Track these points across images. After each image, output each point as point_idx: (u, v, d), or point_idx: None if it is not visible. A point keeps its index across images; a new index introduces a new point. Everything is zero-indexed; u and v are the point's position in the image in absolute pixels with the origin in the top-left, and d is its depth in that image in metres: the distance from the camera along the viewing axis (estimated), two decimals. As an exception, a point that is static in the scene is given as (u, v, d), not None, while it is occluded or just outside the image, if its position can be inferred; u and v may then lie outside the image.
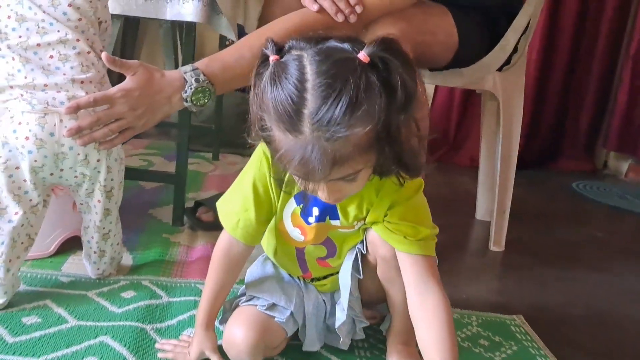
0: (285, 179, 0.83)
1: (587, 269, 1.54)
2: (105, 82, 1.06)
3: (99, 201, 1.07)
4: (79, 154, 1.00)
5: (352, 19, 1.14)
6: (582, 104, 2.79)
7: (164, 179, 1.54)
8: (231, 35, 1.37)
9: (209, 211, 1.48)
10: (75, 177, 1.03)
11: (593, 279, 1.47)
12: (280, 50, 0.71)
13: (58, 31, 0.99)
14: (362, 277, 0.90)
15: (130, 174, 1.60)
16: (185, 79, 1.01)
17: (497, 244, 1.58)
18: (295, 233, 0.89)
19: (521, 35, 1.46)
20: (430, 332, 0.79)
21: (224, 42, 2.24)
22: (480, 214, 1.83)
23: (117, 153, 1.08)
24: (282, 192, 0.85)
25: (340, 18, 1.14)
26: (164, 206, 1.59)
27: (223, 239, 0.89)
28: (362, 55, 0.67)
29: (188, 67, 1.03)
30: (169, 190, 1.68)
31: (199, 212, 1.49)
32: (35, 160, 0.97)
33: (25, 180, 0.99)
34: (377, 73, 0.66)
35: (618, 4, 2.67)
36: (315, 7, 1.14)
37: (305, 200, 0.86)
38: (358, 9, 1.14)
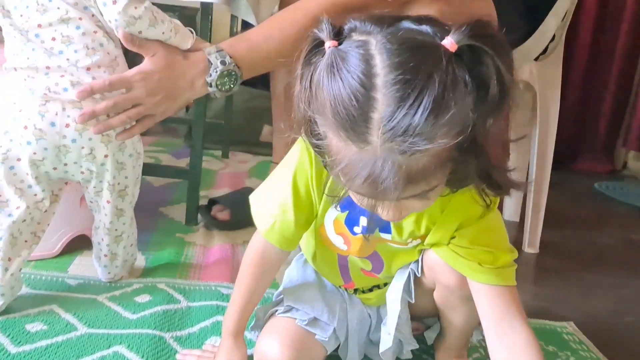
0: (329, 183, 0.70)
1: (633, 274, 1.44)
2: (118, 65, 0.92)
3: (108, 202, 0.96)
4: (83, 148, 0.88)
5: None
6: (601, 103, 2.70)
7: (177, 174, 1.44)
8: (251, 19, 1.27)
9: (224, 209, 1.38)
10: (82, 172, 0.91)
11: (637, 284, 1.37)
12: (338, 33, 0.56)
13: (58, 8, 0.87)
14: (413, 301, 0.78)
15: (143, 169, 1.51)
16: (209, 60, 0.89)
17: (531, 246, 1.48)
18: (338, 241, 0.77)
19: (559, 23, 1.37)
20: None
21: (233, 31, 2.14)
22: (508, 214, 1.73)
23: (132, 147, 0.95)
24: (324, 194, 0.72)
25: None
26: (175, 204, 1.48)
27: (256, 241, 0.77)
28: (449, 43, 0.52)
29: (212, 49, 0.90)
30: (179, 188, 1.58)
31: (213, 210, 1.39)
32: (35, 153, 0.86)
33: (27, 174, 0.88)
34: (467, 66, 0.52)
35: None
36: None
37: (352, 206, 0.71)
38: None
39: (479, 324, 0.73)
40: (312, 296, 0.81)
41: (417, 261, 0.77)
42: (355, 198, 0.61)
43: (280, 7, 1.29)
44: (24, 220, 0.89)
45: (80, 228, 1.13)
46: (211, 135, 2.12)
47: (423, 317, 0.86)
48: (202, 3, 1.27)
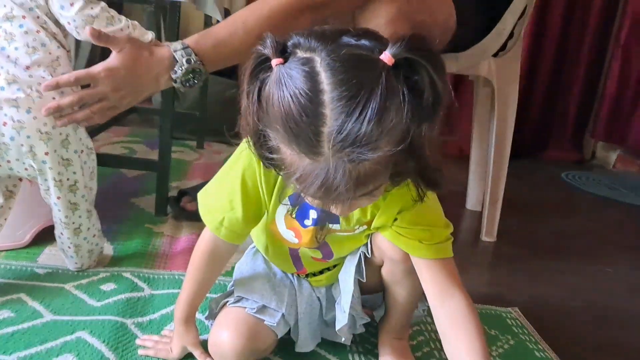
0: (277, 184, 0.75)
1: (582, 261, 1.51)
2: (60, 65, 0.95)
3: (58, 197, 0.99)
4: (22, 145, 0.92)
5: None
6: (570, 94, 2.77)
7: (146, 166, 1.48)
8: (217, 15, 1.31)
9: (193, 200, 1.42)
10: (25, 169, 0.95)
11: (589, 271, 1.44)
12: (283, 49, 0.59)
13: (4, 6, 0.91)
14: (365, 280, 0.84)
15: (112, 161, 1.55)
16: (175, 58, 0.93)
17: (489, 234, 1.54)
18: (289, 235, 0.82)
19: (517, 20, 1.42)
20: (459, 343, 0.72)
21: (209, 24, 2.17)
22: (471, 203, 1.80)
23: (78, 143, 0.98)
24: (274, 192, 0.77)
25: None
26: (146, 195, 1.53)
27: (205, 237, 0.82)
28: (387, 57, 0.56)
29: (178, 45, 0.94)
30: (151, 179, 1.62)
31: (183, 201, 1.43)
32: None
33: None
34: (404, 76, 0.56)
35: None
36: None
37: (300, 202, 0.75)
38: None
39: (423, 295, 0.80)
40: (261, 286, 0.87)
41: (366, 244, 0.83)
42: (309, 200, 0.65)
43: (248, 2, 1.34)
44: None
45: (49, 218, 1.16)
46: (186, 125, 2.17)
47: (370, 293, 0.91)
48: (169, 2, 1.31)
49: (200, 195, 0.82)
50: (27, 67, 0.91)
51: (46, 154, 0.94)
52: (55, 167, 0.95)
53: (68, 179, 0.98)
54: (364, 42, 0.58)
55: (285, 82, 0.56)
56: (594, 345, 1.07)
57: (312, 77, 0.56)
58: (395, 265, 0.81)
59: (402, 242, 0.77)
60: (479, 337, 0.72)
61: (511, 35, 1.43)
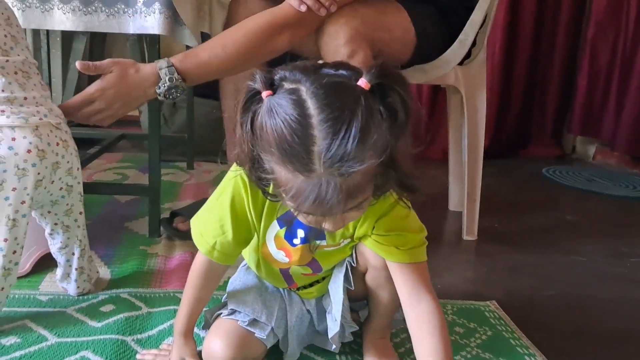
0: (265, 208, 0.83)
1: (558, 253, 1.58)
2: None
3: (80, 213, 1.08)
4: (68, 162, 1.01)
5: (333, 8, 1.20)
6: (547, 92, 2.86)
7: (137, 191, 1.55)
8: (194, 42, 1.38)
9: (185, 220, 1.49)
10: (60, 189, 1.02)
11: (564, 262, 1.52)
12: (271, 83, 0.67)
13: None
14: (353, 288, 0.91)
15: (104, 188, 1.63)
16: (159, 75, 1.10)
17: (470, 233, 1.62)
18: (280, 256, 0.89)
19: (479, 29, 1.50)
20: (424, 344, 0.79)
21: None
22: (453, 204, 1.87)
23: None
24: (263, 217, 0.84)
25: (323, 12, 1.19)
26: (140, 218, 1.60)
27: (199, 259, 0.88)
28: (363, 83, 0.64)
29: (164, 63, 1.11)
30: (144, 202, 1.68)
31: (175, 221, 1.50)
32: (39, 173, 0.95)
33: (23, 202, 0.95)
34: (379, 99, 0.64)
35: (575, -8, 2.75)
36: (303, 8, 1.18)
37: (289, 224, 0.84)
38: None
39: (400, 307, 0.86)
40: (253, 299, 0.93)
41: (351, 255, 0.91)
42: (302, 218, 0.71)
43: (230, 17, 1.42)
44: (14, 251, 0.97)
45: (47, 246, 1.23)
46: (176, 148, 2.25)
47: (358, 300, 0.98)
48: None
49: (193, 222, 0.88)
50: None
51: (78, 169, 1.05)
52: (82, 181, 1.07)
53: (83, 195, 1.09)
54: (341, 71, 0.66)
55: (276, 111, 0.64)
56: (566, 332, 1.14)
57: (299, 104, 0.63)
58: (378, 271, 0.88)
59: (380, 248, 0.84)
60: (443, 339, 0.79)
61: (474, 44, 1.52)
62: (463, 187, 1.63)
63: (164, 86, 1.10)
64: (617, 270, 1.48)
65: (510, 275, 1.41)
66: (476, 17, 1.44)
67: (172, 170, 2.17)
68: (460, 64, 1.51)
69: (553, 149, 2.88)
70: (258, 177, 0.71)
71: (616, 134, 2.56)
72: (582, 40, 2.81)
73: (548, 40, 2.80)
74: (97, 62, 1.11)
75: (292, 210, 0.70)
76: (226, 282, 1.01)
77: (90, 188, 1.54)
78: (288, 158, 0.63)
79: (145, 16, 1.31)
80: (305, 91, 0.64)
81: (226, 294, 0.97)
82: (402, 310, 0.96)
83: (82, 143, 2.02)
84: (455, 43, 1.43)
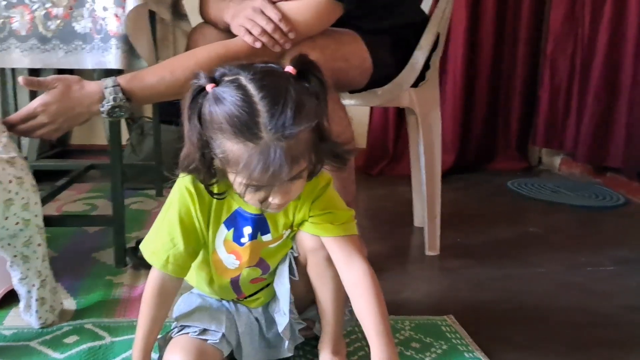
0: (213, 208, 0.89)
1: (519, 266, 1.62)
2: None
3: (39, 245, 1.10)
4: (23, 198, 1.03)
5: (287, 46, 1.24)
6: (510, 106, 2.93)
7: (102, 222, 1.56)
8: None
9: (151, 249, 1.51)
10: (17, 223, 1.04)
11: (524, 275, 1.56)
12: (212, 79, 0.79)
13: None
14: (297, 278, 0.96)
15: (70, 221, 1.64)
16: (104, 94, 1.13)
17: (432, 249, 1.66)
18: (231, 260, 0.94)
19: (432, 52, 1.56)
20: (361, 301, 0.90)
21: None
22: (418, 220, 1.91)
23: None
24: (210, 223, 0.90)
25: (277, 49, 1.23)
26: (107, 248, 1.61)
27: (153, 276, 0.92)
28: (290, 69, 0.81)
29: (110, 82, 1.14)
30: (112, 232, 1.71)
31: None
32: None
33: None
34: (304, 80, 0.80)
35: (533, 9, 2.83)
36: (258, 45, 1.22)
37: (235, 224, 0.91)
38: (291, 35, 1.24)
39: (347, 299, 0.94)
40: (199, 315, 0.98)
41: (292, 247, 0.97)
42: (249, 196, 0.82)
43: (190, 47, 1.46)
44: None
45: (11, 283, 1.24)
46: (144, 176, 2.26)
47: (305, 303, 1.02)
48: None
49: (142, 246, 0.93)
50: None
51: (35, 203, 1.07)
52: (40, 214, 1.09)
53: (41, 227, 1.10)
54: (270, 65, 0.82)
55: (222, 96, 0.77)
56: (522, 344, 1.17)
57: (242, 88, 0.77)
58: (315, 255, 0.94)
59: (317, 228, 0.92)
60: (376, 296, 0.89)
61: (428, 67, 1.57)
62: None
63: (108, 105, 1.14)
64: (575, 280, 1.53)
65: (470, 289, 1.45)
66: (424, 41, 1.50)
67: (141, 198, 2.19)
68: (416, 86, 1.56)
69: (519, 162, 2.95)
70: (208, 166, 0.82)
71: (578, 144, 2.63)
72: (541, 55, 2.90)
73: (509, 56, 2.88)
74: (41, 78, 1.15)
75: (241, 188, 0.79)
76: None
77: (55, 221, 1.57)
78: (239, 130, 0.75)
79: (103, 52, 1.34)
80: (244, 79, 0.78)
81: (174, 319, 1.01)
82: (348, 307, 1.00)
83: (51, 175, 2.06)
84: (406, 67, 1.48)
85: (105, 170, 2.37)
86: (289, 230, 0.95)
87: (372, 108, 2.78)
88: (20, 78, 1.13)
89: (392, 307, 1.27)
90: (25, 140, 2.34)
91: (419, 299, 1.37)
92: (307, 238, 0.94)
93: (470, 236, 1.87)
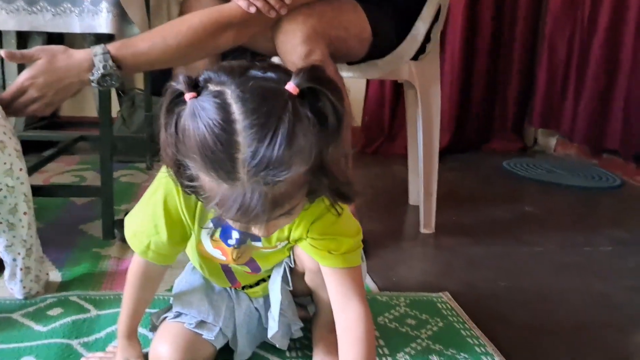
0: (198, 208, 0.81)
1: (516, 245, 1.60)
2: None
3: (25, 213, 1.05)
4: (5, 163, 0.98)
5: (283, 11, 1.18)
6: (507, 87, 2.89)
7: (90, 193, 1.52)
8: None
9: (140, 221, 1.47)
10: (0, 190, 1.00)
11: (521, 254, 1.53)
12: (195, 84, 0.63)
13: None
14: (292, 289, 0.90)
15: (57, 191, 1.59)
16: (93, 62, 1.07)
17: (427, 227, 1.63)
18: (217, 254, 0.87)
19: (433, 24, 1.51)
20: (348, 352, 0.79)
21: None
22: (413, 199, 1.88)
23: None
24: (196, 217, 0.82)
25: (272, 14, 1.17)
26: (95, 221, 1.56)
27: (136, 260, 0.86)
28: (292, 87, 0.61)
29: (99, 49, 1.08)
30: (100, 205, 1.67)
31: (130, 223, 1.48)
32: None
33: None
34: (308, 104, 0.62)
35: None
36: (252, 10, 1.16)
37: (221, 224, 0.82)
38: (287, 0, 1.17)
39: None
40: (199, 300, 0.92)
41: (289, 256, 0.89)
42: (231, 222, 0.70)
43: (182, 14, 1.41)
44: None
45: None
46: (135, 149, 2.22)
47: (303, 295, 0.97)
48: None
49: (127, 219, 0.86)
50: None
51: (20, 170, 1.02)
52: (27, 182, 1.04)
53: (28, 195, 1.06)
54: (270, 74, 0.63)
55: (199, 114, 0.60)
56: (519, 322, 1.15)
57: (224, 108, 0.60)
58: (315, 274, 0.87)
59: (314, 252, 0.82)
60: (367, 347, 0.78)
61: (429, 39, 1.53)
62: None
63: (98, 73, 1.07)
64: (572, 260, 1.50)
65: (466, 267, 1.43)
66: (426, 12, 1.45)
67: (131, 171, 2.15)
68: (416, 59, 1.52)
69: (515, 143, 2.92)
70: (182, 183, 0.69)
71: (575, 125, 2.60)
72: (540, 35, 2.85)
73: (507, 35, 2.83)
74: (24, 50, 1.09)
75: (217, 215, 0.69)
76: (171, 288, 1.00)
77: (42, 191, 1.53)
78: (211, 165, 0.61)
79: (93, 15, 1.29)
80: (230, 94, 0.61)
81: (172, 297, 0.96)
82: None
83: (39, 146, 2.01)
84: (407, 38, 1.44)
85: (95, 142, 2.32)
86: (285, 243, 0.86)
87: (367, 86, 2.73)
88: (2, 51, 1.07)
89: (387, 284, 1.27)
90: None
91: (414, 276, 1.34)
92: (306, 258, 0.85)
93: (465, 215, 1.85)
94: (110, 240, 1.44)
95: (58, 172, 2.09)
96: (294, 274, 0.90)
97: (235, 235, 0.83)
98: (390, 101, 2.72)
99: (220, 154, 0.60)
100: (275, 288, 0.91)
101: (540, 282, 1.36)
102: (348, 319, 0.80)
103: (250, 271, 0.91)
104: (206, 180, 0.64)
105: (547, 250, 1.57)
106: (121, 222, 1.49)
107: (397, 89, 2.69)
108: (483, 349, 1.01)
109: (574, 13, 2.66)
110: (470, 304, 1.19)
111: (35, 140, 2.13)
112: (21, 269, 1.09)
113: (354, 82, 2.53)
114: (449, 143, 2.71)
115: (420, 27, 1.45)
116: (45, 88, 1.07)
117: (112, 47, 1.09)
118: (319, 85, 0.63)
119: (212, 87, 0.63)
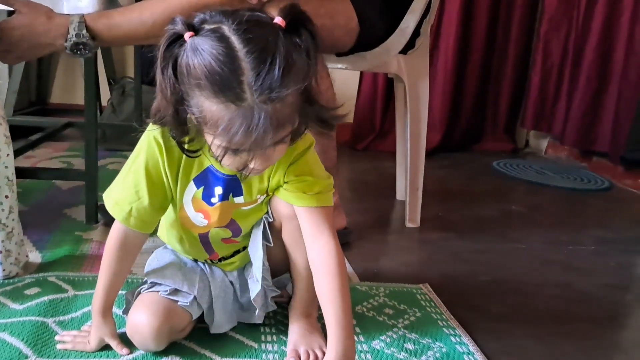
0: (182, 164, 0.84)
1: (499, 241, 1.60)
2: None
3: (6, 197, 1.05)
4: None
5: None
6: (500, 87, 2.89)
7: (75, 176, 1.52)
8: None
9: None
10: None
11: (503, 249, 1.54)
12: (191, 26, 0.70)
13: None
14: (272, 244, 0.91)
15: (41, 173, 1.59)
16: (68, 29, 1.09)
17: (412, 221, 1.63)
18: (199, 218, 0.89)
19: (423, 18, 1.51)
20: (323, 283, 0.83)
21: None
22: (400, 194, 1.89)
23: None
24: (179, 178, 0.85)
25: (254, 1, 1.16)
26: (80, 205, 1.56)
27: (116, 228, 0.87)
28: (280, 20, 0.70)
29: (76, 18, 1.11)
30: (85, 190, 1.66)
31: (114, 208, 1.48)
32: None
33: None
34: (295, 34, 0.71)
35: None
36: None
37: (206, 182, 0.86)
38: None
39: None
40: (172, 273, 0.93)
41: (267, 212, 0.92)
42: (227, 160, 0.75)
43: None
44: None
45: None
46: (124, 137, 2.21)
47: (280, 269, 0.98)
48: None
49: (106, 194, 0.88)
50: None
51: (8, 155, 1.02)
52: (11, 165, 1.05)
53: (11, 178, 1.06)
54: (257, 13, 0.72)
55: (202, 48, 0.68)
56: (496, 314, 1.16)
57: (224, 39, 0.68)
58: (290, 222, 0.90)
59: (290, 196, 0.87)
60: (340, 282, 0.83)
61: (419, 34, 1.53)
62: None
63: (71, 40, 1.10)
64: (555, 258, 1.51)
65: (448, 261, 1.43)
66: (417, 5, 1.45)
67: (119, 159, 2.14)
68: (405, 53, 1.52)
69: (506, 144, 2.93)
70: (181, 123, 0.74)
71: (566, 128, 2.61)
72: (535, 36, 2.86)
73: (502, 36, 2.83)
74: None
75: (219, 151, 0.72)
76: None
77: (27, 173, 1.52)
78: (219, 88, 0.67)
79: (79, -4, 1.28)
80: (227, 29, 0.68)
81: (145, 274, 0.96)
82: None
83: (27, 131, 2.00)
84: (396, 31, 1.43)
85: (84, 129, 2.32)
86: (264, 195, 0.90)
87: (360, 83, 2.73)
88: None
89: (368, 275, 1.27)
90: (2, 95, 2.27)
91: (396, 268, 1.35)
92: (282, 204, 0.89)
93: (451, 211, 1.85)
94: (93, 224, 1.44)
95: (46, 157, 2.09)
96: (273, 234, 0.92)
97: (218, 191, 0.86)
98: (381, 99, 2.73)
99: (227, 77, 0.67)
100: (256, 245, 0.92)
101: (520, 277, 1.36)
102: (320, 253, 0.85)
103: (230, 236, 0.92)
104: (213, 107, 0.69)
105: (531, 247, 1.58)
106: (104, 206, 1.48)
107: (389, 88, 2.69)
108: (458, 339, 1.02)
109: (569, 13, 2.66)
110: (449, 295, 1.19)
111: (24, 126, 2.12)
112: (1, 252, 1.09)
113: (346, 79, 2.54)
114: (440, 142, 2.72)
115: (409, 21, 1.45)
116: (18, 41, 1.09)
117: (89, 17, 1.12)
118: (300, 20, 0.72)
119: (208, 26, 0.70)
